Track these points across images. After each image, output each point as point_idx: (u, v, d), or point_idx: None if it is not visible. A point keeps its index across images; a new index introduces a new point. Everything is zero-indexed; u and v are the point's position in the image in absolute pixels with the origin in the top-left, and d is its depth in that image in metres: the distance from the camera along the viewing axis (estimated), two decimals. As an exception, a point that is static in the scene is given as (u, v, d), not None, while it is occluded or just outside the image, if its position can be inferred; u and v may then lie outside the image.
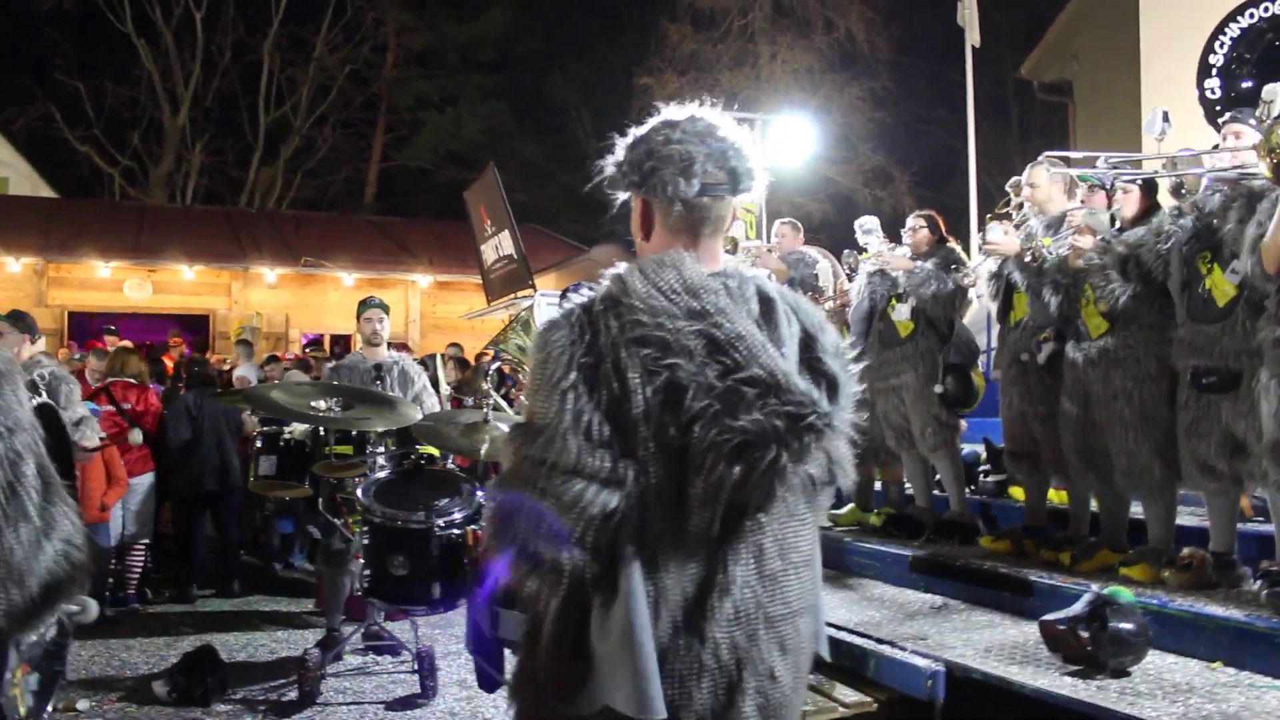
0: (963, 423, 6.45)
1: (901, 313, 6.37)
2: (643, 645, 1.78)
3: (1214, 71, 8.71)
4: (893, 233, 6.99)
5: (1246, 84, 8.46)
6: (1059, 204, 5.69)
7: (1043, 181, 5.75)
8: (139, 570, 7.87)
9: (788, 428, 1.80)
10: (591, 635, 1.84)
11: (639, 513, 1.83)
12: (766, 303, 2.00)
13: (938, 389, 6.14)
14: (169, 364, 11.10)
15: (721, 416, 1.79)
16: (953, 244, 6.42)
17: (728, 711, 1.86)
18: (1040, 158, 5.55)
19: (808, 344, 2.01)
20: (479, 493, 4.99)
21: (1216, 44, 8.76)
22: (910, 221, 6.56)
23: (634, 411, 1.83)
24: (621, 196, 2.14)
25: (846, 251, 7.14)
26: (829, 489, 2.02)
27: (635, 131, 2.08)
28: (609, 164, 2.10)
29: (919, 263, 6.24)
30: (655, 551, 1.84)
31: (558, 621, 1.88)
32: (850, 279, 7.12)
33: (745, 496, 1.83)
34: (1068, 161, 5.88)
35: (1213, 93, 8.70)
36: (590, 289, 1.98)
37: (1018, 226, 5.85)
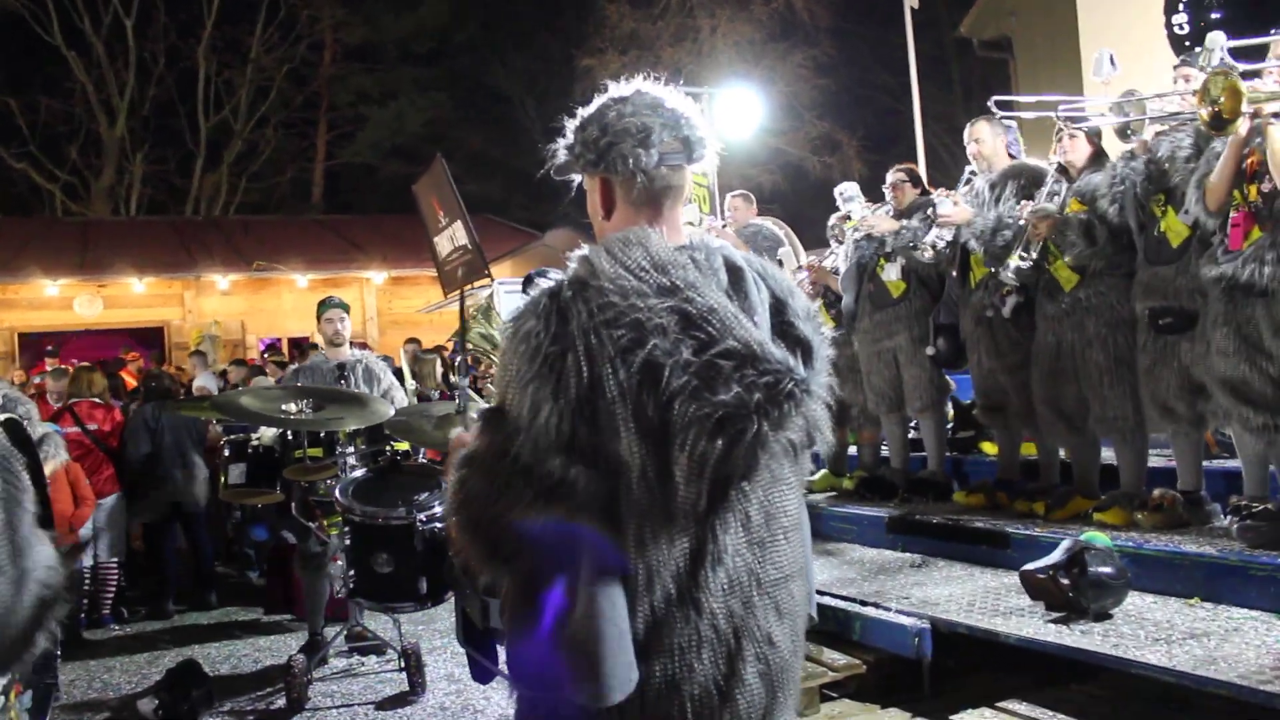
0: (952, 383, 6.49)
1: (891, 273, 6.32)
2: (603, 627, 1.77)
3: (1181, 6, 8.68)
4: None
5: (1216, 15, 8.45)
6: (1002, 157, 5.72)
7: (986, 135, 5.77)
8: (113, 590, 7.78)
9: (767, 397, 1.79)
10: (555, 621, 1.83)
11: (610, 498, 1.83)
12: (735, 272, 1.99)
13: (929, 350, 6.15)
14: (128, 380, 10.94)
15: (700, 392, 1.78)
16: (934, 193, 6.44)
17: (730, 680, 1.86)
18: (990, 102, 5.57)
19: (779, 309, 2.01)
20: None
21: None
22: (891, 177, 6.51)
23: (608, 394, 1.82)
24: (576, 180, 2.13)
25: (831, 223, 7.07)
26: (808, 452, 2.03)
27: (583, 112, 2.07)
28: (560, 148, 2.08)
29: (904, 221, 6.19)
30: (643, 529, 1.83)
31: (518, 611, 1.90)
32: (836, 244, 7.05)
33: (730, 468, 1.83)
34: (1014, 106, 5.87)
35: (1181, 27, 8.69)
36: (554, 274, 1.96)
37: (955, 188, 5.87)
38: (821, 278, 6.92)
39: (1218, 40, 4.36)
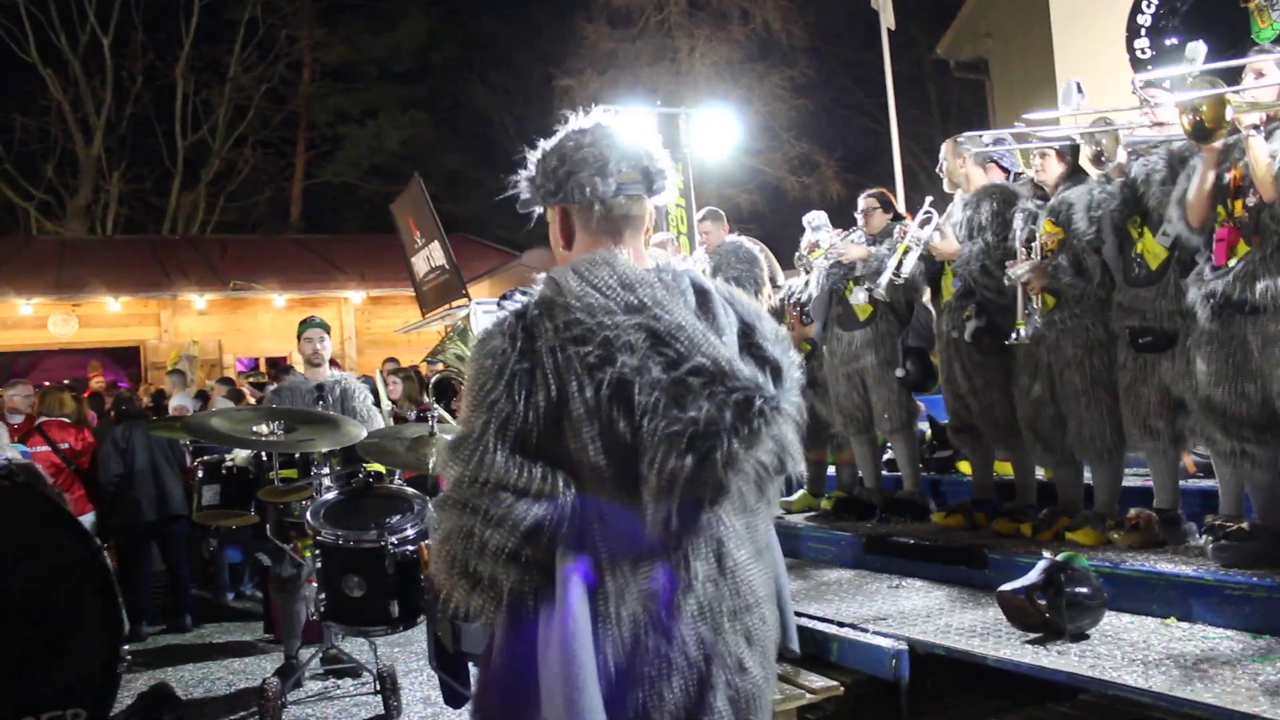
0: (921, 405, 6.50)
1: (859, 296, 6.31)
2: (577, 657, 1.75)
3: (1143, 31, 8.82)
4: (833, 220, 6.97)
5: (1171, 40, 8.60)
6: (977, 178, 5.74)
7: (949, 158, 5.81)
8: (84, 612, 7.68)
9: (737, 415, 1.79)
10: (538, 650, 1.82)
11: (581, 518, 1.82)
12: (702, 294, 2.00)
13: (899, 373, 6.16)
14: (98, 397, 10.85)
15: (670, 408, 1.78)
16: (906, 219, 6.45)
17: (700, 708, 1.85)
18: (961, 138, 5.60)
19: (746, 332, 2.01)
20: (429, 507, 4.94)
21: (1144, 3, 8.88)
22: (862, 203, 6.50)
23: (576, 412, 1.82)
24: (538, 212, 2.15)
25: (798, 255, 7.05)
26: (779, 477, 2.01)
27: (544, 144, 2.09)
28: (522, 180, 2.10)
29: (872, 249, 6.21)
30: (612, 553, 1.82)
31: (505, 637, 1.89)
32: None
33: (699, 488, 1.82)
34: (981, 139, 5.90)
35: (1143, 52, 8.82)
36: (524, 294, 1.96)
37: (924, 224, 5.83)
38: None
39: (1199, 50, 4.39)
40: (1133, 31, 8.84)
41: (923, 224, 5.74)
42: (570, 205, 2.05)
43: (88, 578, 4.45)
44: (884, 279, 5.76)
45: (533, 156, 2.10)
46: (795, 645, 2.20)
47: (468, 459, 1.83)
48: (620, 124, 2.07)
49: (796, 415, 1.94)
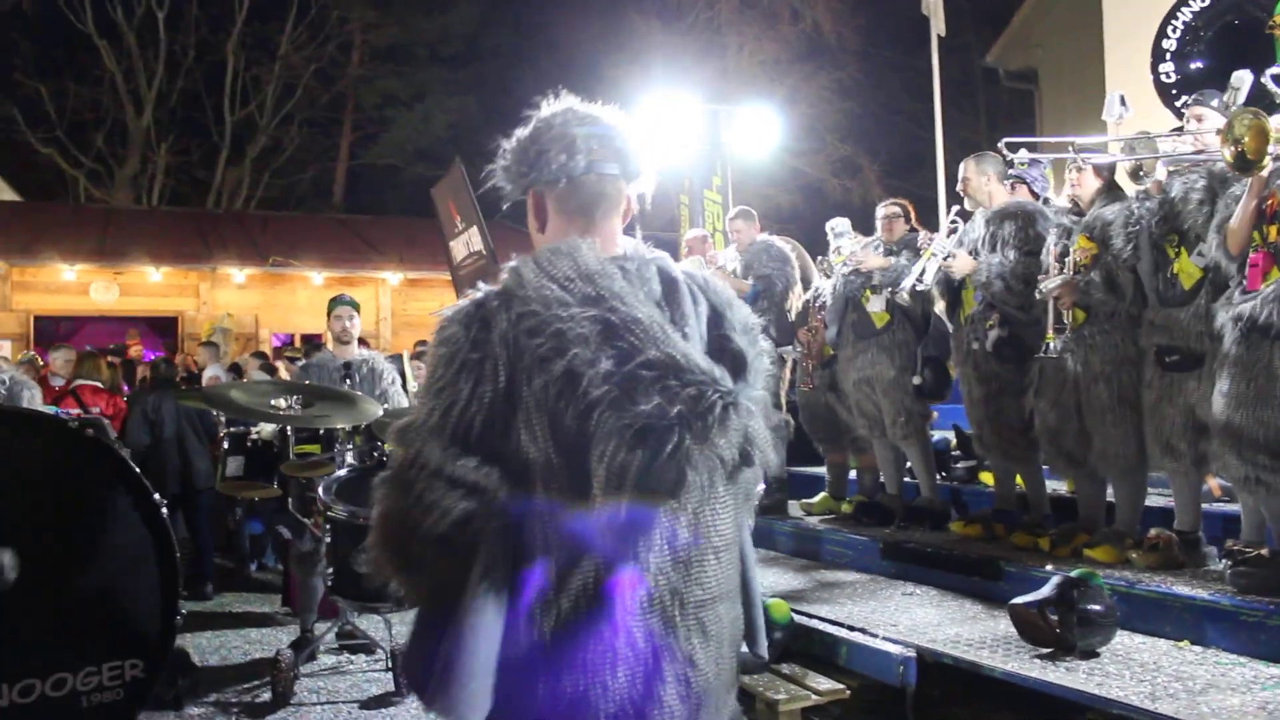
0: (933, 412, 6.49)
1: (876, 304, 6.35)
2: (468, 649, 1.76)
3: (1168, 56, 8.76)
4: (863, 223, 6.97)
5: (1196, 65, 8.53)
6: (1000, 195, 5.72)
7: (971, 174, 5.80)
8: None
9: (689, 409, 1.78)
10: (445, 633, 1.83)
11: (529, 511, 1.82)
12: (670, 283, 1.98)
13: (915, 381, 6.16)
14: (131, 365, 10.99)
15: (620, 402, 1.77)
16: (922, 232, 6.43)
17: (647, 702, 1.82)
18: (1001, 144, 5.59)
19: (716, 322, 1.99)
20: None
21: (1169, 28, 8.82)
22: (883, 211, 6.53)
23: (527, 405, 1.82)
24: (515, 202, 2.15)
25: (820, 259, 7.07)
26: (751, 470, 1.99)
27: (518, 133, 2.08)
28: (498, 169, 2.10)
29: (891, 259, 6.23)
30: (559, 541, 1.81)
31: (420, 618, 1.91)
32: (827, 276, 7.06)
33: (652, 481, 1.81)
34: (1032, 148, 5.89)
35: (1167, 76, 8.76)
36: (484, 285, 1.97)
37: (951, 233, 5.88)
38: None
39: (1243, 80, 4.33)
40: (1157, 56, 8.77)
41: (949, 233, 5.74)
42: (542, 187, 2.05)
43: (149, 534, 4.55)
44: (907, 283, 5.79)
45: (508, 144, 2.09)
46: (762, 649, 2.17)
47: (410, 442, 1.85)
48: (595, 108, 2.06)
49: (761, 407, 1.92)
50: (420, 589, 1.90)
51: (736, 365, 1.90)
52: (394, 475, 1.87)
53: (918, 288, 5.79)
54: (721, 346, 1.95)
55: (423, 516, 1.80)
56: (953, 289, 5.84)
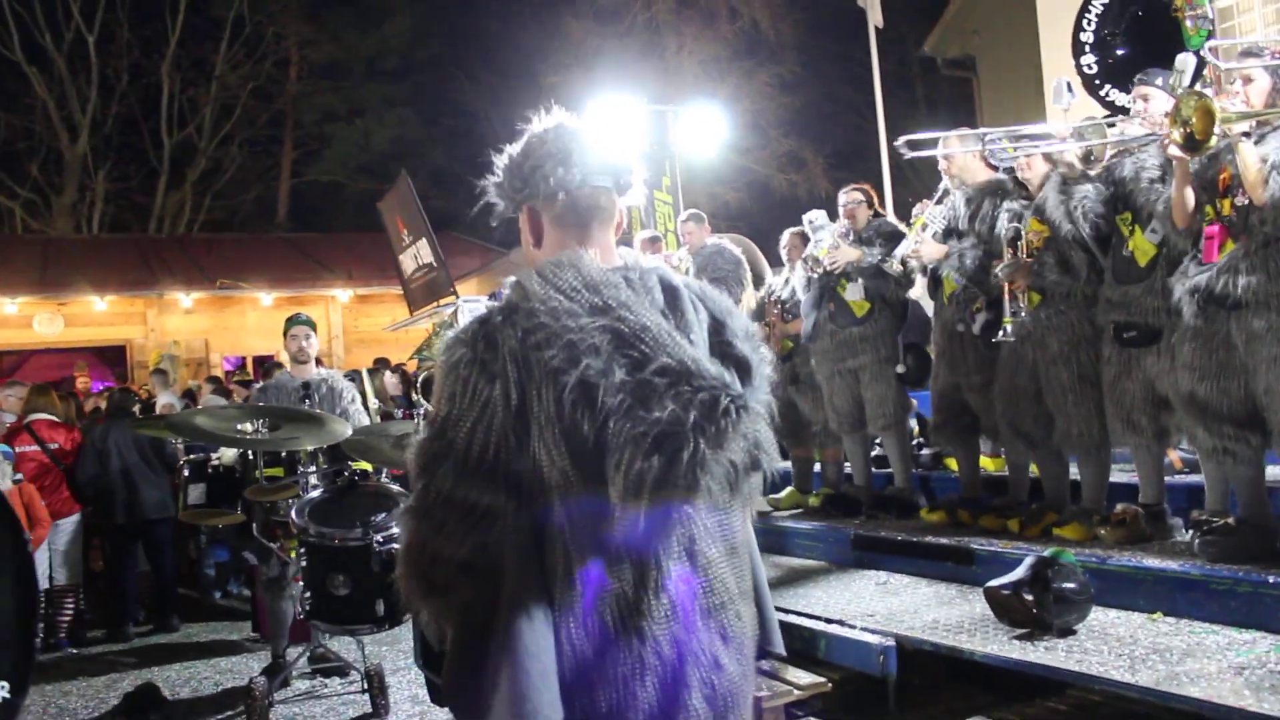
0: (914, 401, 6.50)
1: (853, 293, 6.28)
2: (521, 665, 1.76)
3: (1087, 48, 8.85)
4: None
5: (1115, 55, 8.64)
6: (977, 172, 5.72)
7: (954, 151, 5.79)
8: (70, 614, 7.64)
9: (703, 414, 1.79)
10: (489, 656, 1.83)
11: (548, 524, 1.83)
12: (671, 292, 1.99)
13: (899, 369, 6.16)
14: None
15: (635, 410, 1.77)
16: (885, 216, 6.43)
17: (674, 707, 1.84)
18: (899, 141, 5.60)
19: (717, 329, 2.00)
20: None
21: (1084, 21, 8.92)
22: (845, 199, 6.47)
23: (540, 417, 1.82)
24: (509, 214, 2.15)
25: (804, 258, 6.99)
26: (754, 474, 2.00)
27: (509, 149, 2.10)
28: (490, 185, 2.11)
29: (865, 250, 6.18)
30: (581, 556, 1.82)
31: (456, 642, 1.90)
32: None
33: (667, 488, 1.81)
34: (925, 144, 5.90)
35: (1090, 68, 8.85)
36: (495, 299, 1.97)
37: (939, 201, 5.87)
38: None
39: (1187, 62, 4.39)
40: (1077, 49, 8.86)
41: (938, 201, 5.75)
42: (537, 203, 2.05)
43: (6, 559, 4.54)
44: (901, 250, 5.78)
45: (500, 160, 2.10)
46: (779, 646, 2.19)
47: (426, 470, 1.87)
48: (584, 123, 2.08)
49: (767, 414, 1.94)
50: (450, 614, 1.91)
51: (741, 370, 1.91)
52: (414, 504, 1.89)
53: (908, 263, 5.80)
54: (724, 353, 1.96)
55: (443, 543, 1.83)
56: (933, 270, 5.83)
